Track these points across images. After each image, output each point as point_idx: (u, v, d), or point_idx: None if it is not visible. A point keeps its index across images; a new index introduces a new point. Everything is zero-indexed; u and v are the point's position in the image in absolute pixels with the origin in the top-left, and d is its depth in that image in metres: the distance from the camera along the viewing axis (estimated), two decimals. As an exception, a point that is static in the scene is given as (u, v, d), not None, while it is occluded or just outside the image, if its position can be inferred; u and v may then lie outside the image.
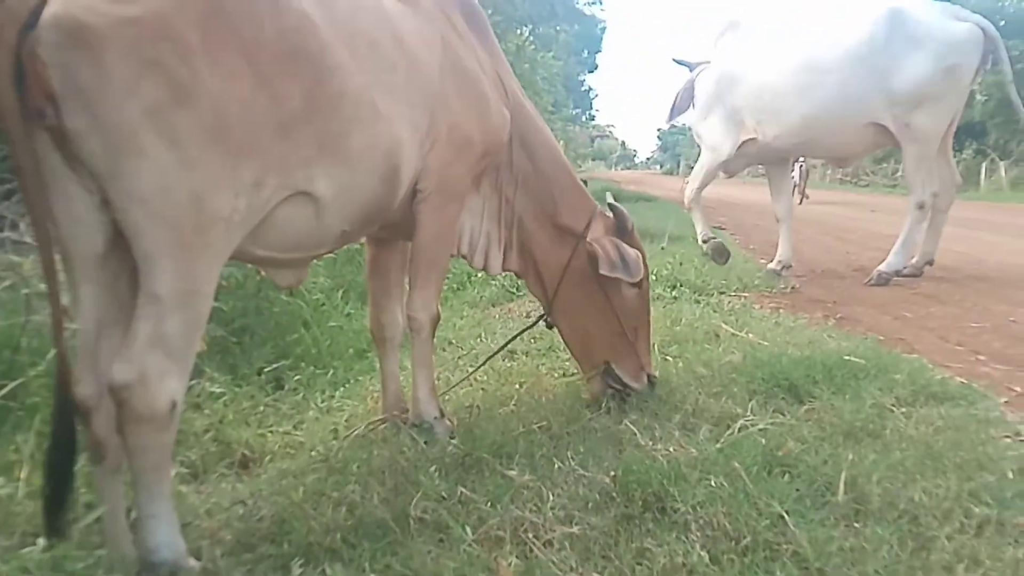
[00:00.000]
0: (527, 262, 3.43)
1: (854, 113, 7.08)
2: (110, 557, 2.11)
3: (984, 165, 31.33)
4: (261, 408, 3.46)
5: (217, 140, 1.96)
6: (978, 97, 30.74)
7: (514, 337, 3.96)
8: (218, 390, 3.44)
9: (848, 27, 7.16)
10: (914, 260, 7.43)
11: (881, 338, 4.76)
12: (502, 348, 3.94)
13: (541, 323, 3.61)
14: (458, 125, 2.93)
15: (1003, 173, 29.83)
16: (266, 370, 3.84)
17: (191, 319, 2.02)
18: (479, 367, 3.79)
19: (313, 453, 2.97)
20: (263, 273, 3.99)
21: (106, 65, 1.79)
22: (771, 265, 7.74)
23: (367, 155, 2.48)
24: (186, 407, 3.18)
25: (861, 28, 7.04)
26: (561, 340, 3.62)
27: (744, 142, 7.69)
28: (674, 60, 8.73)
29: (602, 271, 3.21)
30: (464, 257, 3.35)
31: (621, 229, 3.37)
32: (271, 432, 3.25)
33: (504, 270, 3.48)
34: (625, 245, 3.28)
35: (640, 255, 3.29)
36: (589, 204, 3.45)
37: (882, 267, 7.21)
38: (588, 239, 3.31)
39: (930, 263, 7.51)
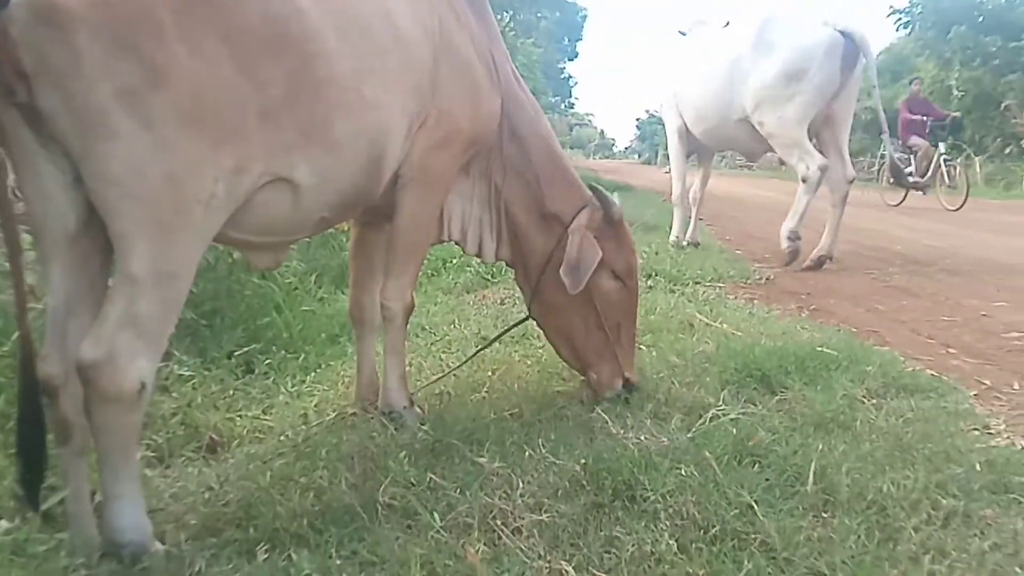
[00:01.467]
0: (515, 252, 3.33)
1: (727, 111, 7.85)
2: (73, 539, 2.09)
3: (960, 160, 31.59)
4: (230, 392, 3.42)
5: (195, 124, 1.94)
6: (955, 92, 31.02)
7: (501, 334, 3.86)
8: (187, 373, 3.40)
9: (735, 33, 7.99)
10: (813, 252, 7.73)
11: (854, 330, 4.79)
12: (487, 346, 3.82)
13: (516, 307, 3.57)
14: (448, 112, 2.87)
15: (978, 168, 30.09)
16: (236, 354, 3.79)
17: (166, 301, 2.00)
18: (460, 365, 3.68)
19: (282, 438, 2.95)
20: (236, 255, 3.97)
21: (78, 46, 1.77)
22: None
23: (351, 142, 2.44)
24: (154, 390, 3.14)
25: (741, 35, 7.81)
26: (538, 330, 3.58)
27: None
28: (679, 32, 9.18)
29: (560, 270, 3.07)
30: (458, 243, 3.31)
31: (607, 218, 3.24)
32: (240, 416, 3.21)
33: (498, 259, 3.36)
34: (590, 245, 3.10)
35: (629, 259, 3.25)
36: (580, 195, 3.29)
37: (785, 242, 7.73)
38: (570, 229, 3.17)
39: (830, 258, 7.74)
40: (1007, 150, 29.30)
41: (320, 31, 2.25)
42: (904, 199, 17.43)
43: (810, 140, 7.44)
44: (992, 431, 3.10)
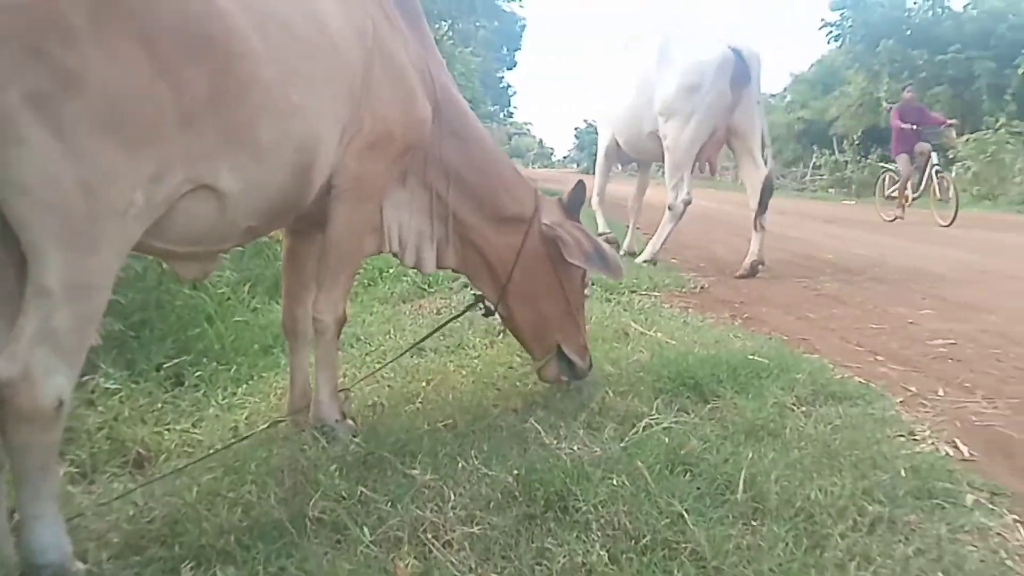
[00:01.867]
0: (470, 257, 3.36)
1: (641, 124, 8.31)
2: None
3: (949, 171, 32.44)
4: (159, 405, 3.36)
5: (111, 130, 1.87)
6: (884, 104, 31.86)
7: (452, 319, 3.94)
8: (113, 386, 3.32)
9: (645, 50, 8.36)
10: (745, 260, 7.95)
11: (785, 338, 4.87)
12: (437, 330, 3.90)
13: (458, 321, 3.59)
14: (382, 118, 2.82)
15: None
16: (165, 366, 3.72)
17: (82, 314, 1.93)
18: (411, 348, 3.78)
19: (211, 451, 2.89)
20: (165, 265, 3.89)
21: None
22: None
23: (277, 149, 2.38)
24: (78, 404, 3.07)
25: (649, 51, 8.25)
26: (488, 328, 3.59)
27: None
28: (616, 46, 9.58)
29: (572, 259, 3.24)
30: (395, 255, 3.28)
31: (573, 208, 3.47)
32: (168, 430, 3.14)
33: (440, 267, 3.39)
34: (601, 241, 3.36)
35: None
36: (529, 187, 3.45)
37: (642, 257, 8.15)
38: (548, 223, 3.32)
39: (762, 263, 8.00)
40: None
41: (243, 32, 2.19)
42: (902, 214, 16.11)
43: (723, 152, 7.95)
44: (917, 437, 3.16)
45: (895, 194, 16.60)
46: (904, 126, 16.31)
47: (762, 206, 7.82)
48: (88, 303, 1.94)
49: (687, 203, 7.93)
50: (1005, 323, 5.55)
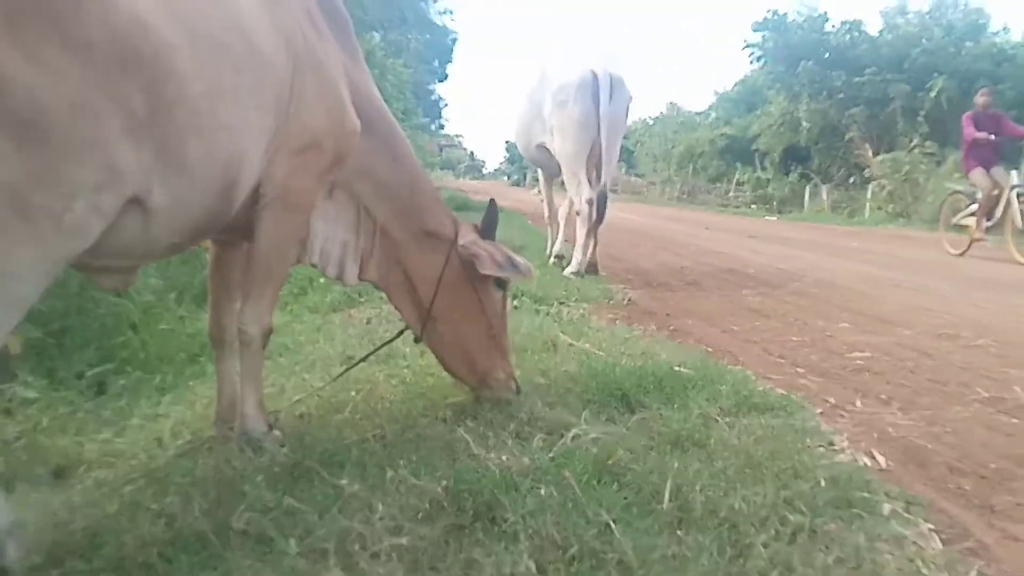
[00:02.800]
0: (393, 273, 3.35)
1: (530, 137, 9.15)
2: None
3: (808, 188, 33.33)
4: (80, 414, 3.27)
5: (39, 133, 1.82)
6: (803, 124, 32.76)
7: (379, 348, 3.87)
8: (33, 395, 3.23)
9: (534, 70, 9.21)
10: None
11: (709, 350, 4.96)
12: (364, 359, 3.82)
13: (383, 327, 3.57)
14: (309, 129, 2.78)
15: (824, 196, 31.79)
16: (87, 374, 3.63)
17: (3, 299, 1.88)
18: (346, 370, 3.72)
19: (133, 462, 2.82)
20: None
21: None
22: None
23: (204, 166, 2.34)
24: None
25: (536, 71, 9.11)
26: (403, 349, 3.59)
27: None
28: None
29: (486, 271, 3.25)
30: (314, 266, 3.24)
31: (488, 230, 3.46)
32: (90, 440, 3.06)
33: (361, 280, 3.36)
34: (509, 249, 3.38)
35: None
36: (448, 210, 3.48)
37: (569, 270, 8.36)
38: (461, 244, 3.32)
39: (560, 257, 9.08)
40: (851, 179, 31.09)
41: (169, 49, 2.14)
42: (969, 247, 13.12)
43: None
44: (836, 448, 3.24)
45: (966, 220, 13.43)
46: (979, 136, 12.99)
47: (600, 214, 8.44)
48: (11, 290, 1.89)
49: (590, 202, 8.29)
50: (918, 336, 5.74)
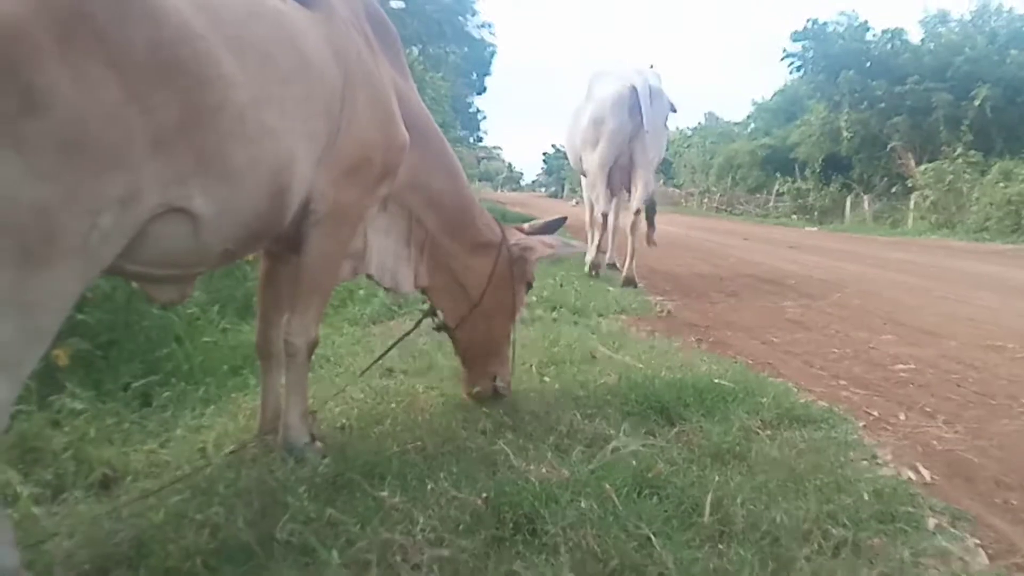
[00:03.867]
0: (441, 279, 3.49)
1: (576, 151, 9.46)
2: None
3: (849, 199, 32.97)
4: (126, 425, 3.30)
5: (77, 152, 1.83)
6: (844, 133, 32.42)
7: (408, 333, 3.97)
8: (80, 406, 3.26)
9: (585, 86, 9.57)
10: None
11: (750, 362, 4.93)
12: (397, 343, 3.97)
13: (421, 340, 3.65)
14: (359, 142, 2.81)
15: (866, 206, 31.42)
16: (133, 386, 3.67)
17: (28, 330, 1.86)
18: (374, 362, 3.92)
19: (178, 473, 2.86)
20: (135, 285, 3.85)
21: None
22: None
23: (251, 173, 2.36)
24: (44, 424, 3.03)
25: (584, 87, 9.50)
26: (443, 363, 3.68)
27: None
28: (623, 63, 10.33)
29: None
30: (370, 277, 3.30)
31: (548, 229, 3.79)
32: (135, 451, 3.10)
33: (414, 289, 3.47)
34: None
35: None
36: (491, 216, 3.68)
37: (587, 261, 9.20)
38: (512, 242, 3.57)
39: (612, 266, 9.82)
40: (893, 189, 30.69)
41: (215, 56, 2.17)
42: None
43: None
44: (880, 461, 3.21)
45: None
46: None
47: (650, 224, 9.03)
48: (33, 320, 1.87)
49: (605, 215, 9.15)
50: (963, 348, 5.66)
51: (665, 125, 9.17)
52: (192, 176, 2.16)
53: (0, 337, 1.81)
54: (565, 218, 3.98)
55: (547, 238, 3.66)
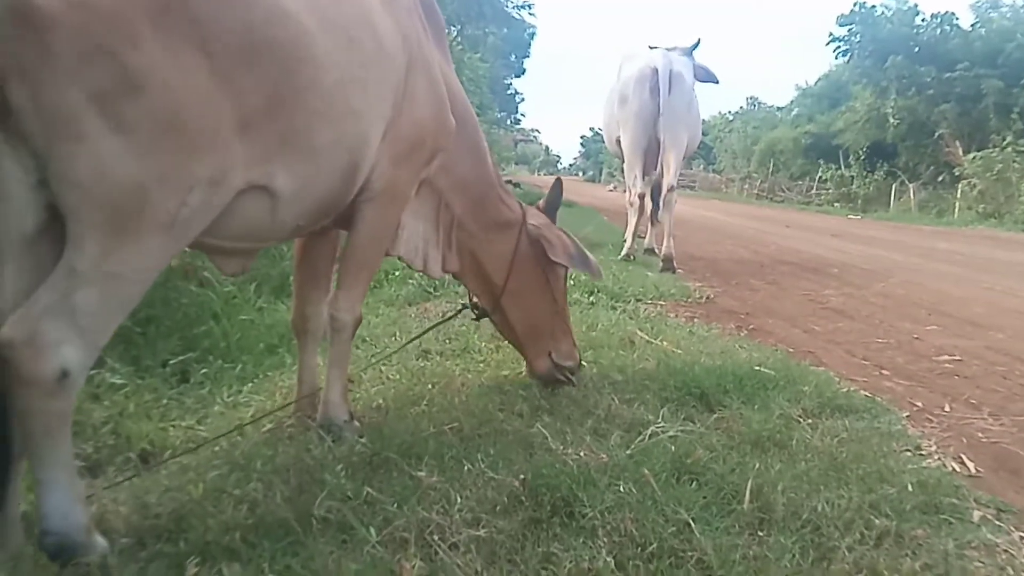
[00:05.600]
0: (468, 263, 3.47)
1: (612, 132, 9.53)
2: None
3: (894, 187, 32.48)
4: (164, 401, 3.34)
5: (169, 132, 1.90)
6: (890, 120, 31.88)
7: (442, 321, 4.09)
8: (119, 381, 3.31)
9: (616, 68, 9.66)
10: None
11: (791, 350, 4.86)
12: (429, 329, 4.07)
13: (458, 322, 3.64)
14: (417, 125, 2.87)
15: (912, 195, 30.93)
16: (171, 362, 3.70)
17: (109, 299, 1.93)
18: (406, 343, 3.98)
19: (216, 449, 2.88)
20: (173, 262, 3.88)
21: (52, 47, 1.72)
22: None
23: (331, 151, 2.43)
24: (84, 398, 3.06)
25: (616, 70, 9.57)
26: (495, 333, 3.78)
27: None
28: (650, 47, 9.73)
29: (557, 259, 3.44)
30: (401, 259, 3.30)
31: (552, 206, 3.68)
32: (173, 426, 3.13)
33: (444, 272, 3.45)
34: (565, 236, 3.53)
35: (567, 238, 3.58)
36: (514, 196, 3.62)
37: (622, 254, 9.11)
38: (534, 223, 3.51)
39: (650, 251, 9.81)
40: (940, 178, 30.18)
41: (307, 37, 2.23)
42: None
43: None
44: (923, 452, 3.16)
45: None
46: None
47: (655, 204, 9.06)
48: (116, 290, 1.94)
49: (641, 196, 9.05)
50: (1010, 340, 5.54)
51: (692, 108, 9.04)
52: (277, 155, 2.22)
53: (85, 305, 1.89)
54: (559, 179, 3.85)
55: (569, 242, 3.51)
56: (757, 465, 2.69)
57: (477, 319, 3.74)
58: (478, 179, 3.41)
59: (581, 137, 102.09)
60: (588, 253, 3.54)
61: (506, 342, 3.80)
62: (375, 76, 2.57)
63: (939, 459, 3.10)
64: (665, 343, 4.59)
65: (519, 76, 47.01)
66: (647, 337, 4.72)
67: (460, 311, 3.85)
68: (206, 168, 1.99)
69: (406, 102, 2.79)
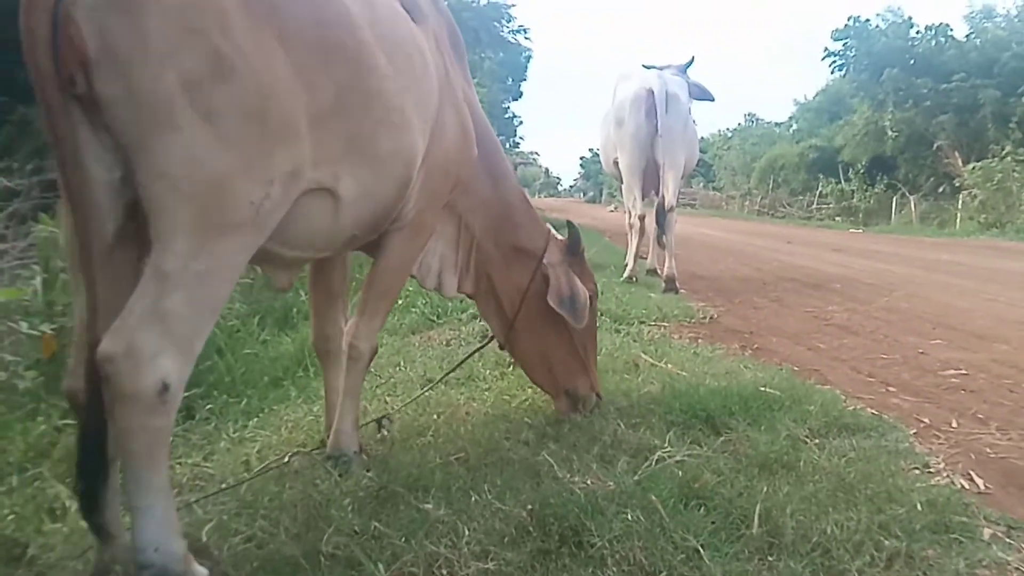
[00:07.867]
0: (482, 285, 3.45)
1: (607, 155, 9.65)
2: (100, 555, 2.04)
3: (895, 199, 32.49)
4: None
5: (256, 121, 1.89)
6: (888, 133, 31.94)
7: (468, 356, 4.09)
8: (124, 420, 3.31)
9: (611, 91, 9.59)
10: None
11: (796, 369, 4.85)
12: (454, 369, 4.06)
13: (462, 349, 3.61)
14: (445, 156, 2.89)
15: (912, 207, 30.94)
16: (177, 399, 3.70)
17: (200, 301, 1.88)
18: (432, 385, 3.95)
19: (223, 485, 2.87)
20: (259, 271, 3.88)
21: (145, 30, 1.72)
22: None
23: (391, 161, 2.47)
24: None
25: (611, 92, 9.50)
26: (498, 360, 3.65)
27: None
28: (643, 66, 9.73)
29: (550, 301, 3.32)
30: (413, 277, 3.30)
31: (573, 249, 3.51)
32: (179, 463, 3.12)
33: (459, 293, 3.46)
34: (578, 282, 3.41)
35: (590, 287, 3.51)
36: (544, 227, 3.55)
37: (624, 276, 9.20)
38: (546, 262, 3.41)
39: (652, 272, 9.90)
40: (940, 189, 30.19)
41: (372, 47, 2.28)
42: None
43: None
44: (932, 470, 3.14)
45: None
46: None
47: (659, 226, 8.76)
48: (206, 290, 1.90)
49: (641, 217, 9.32)
50: (1016, 352, 5.53)
51: (688, 128, 9.06)
52: (343, 158, 2.24)
53: (173, 308, 1.83)
54: (571, 223, 3.70)
55: (565, 285, 3.36)
56: (765, 488, 2.67)
57: (501, 348, 3.69)
58: (499, 200, 3.40)
59: (580, 158, 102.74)
60: (579, 299, 3.37)
61: (511, 370, 3.79)
62: (423, 98, 2.63)
63: (948, 476, 3.08)
64: (670, 365, 4.58)
65: (516, 99, 47.14)
66: (651, 360, 4.71)
67: (485, 344, 3.89)
68: (286, 161, 1.99)
69: (437, 129, 2.82)
